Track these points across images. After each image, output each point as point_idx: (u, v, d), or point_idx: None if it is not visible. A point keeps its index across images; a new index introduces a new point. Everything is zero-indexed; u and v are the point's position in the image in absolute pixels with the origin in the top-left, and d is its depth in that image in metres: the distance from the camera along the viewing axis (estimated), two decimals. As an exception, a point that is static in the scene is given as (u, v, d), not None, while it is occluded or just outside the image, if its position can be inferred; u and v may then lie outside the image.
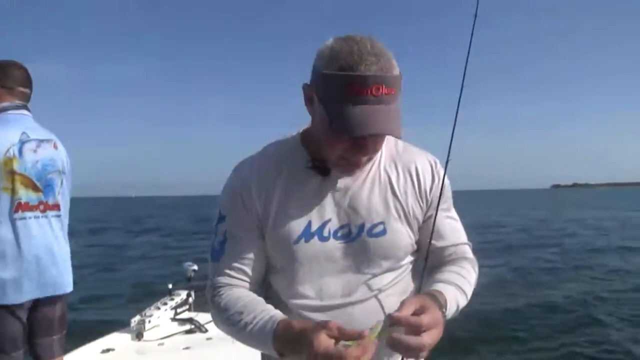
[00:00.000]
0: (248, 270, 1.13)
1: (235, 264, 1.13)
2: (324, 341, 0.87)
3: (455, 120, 1.17)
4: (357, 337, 0.87)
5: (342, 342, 0.89)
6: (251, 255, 1.13)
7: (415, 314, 0.91)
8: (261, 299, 1.11)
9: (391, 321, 0.89)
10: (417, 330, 0.88)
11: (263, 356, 1.24)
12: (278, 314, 1.04)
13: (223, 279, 1.13)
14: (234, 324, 1.06)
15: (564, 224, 25.04)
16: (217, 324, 1.15)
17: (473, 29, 1.16)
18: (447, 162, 1.19)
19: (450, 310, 1.04)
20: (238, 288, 1.13)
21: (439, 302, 1.00)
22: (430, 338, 0.89)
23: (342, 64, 0.96)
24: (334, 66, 0.97)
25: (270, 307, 1.07)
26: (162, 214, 44.87)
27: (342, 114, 0.96)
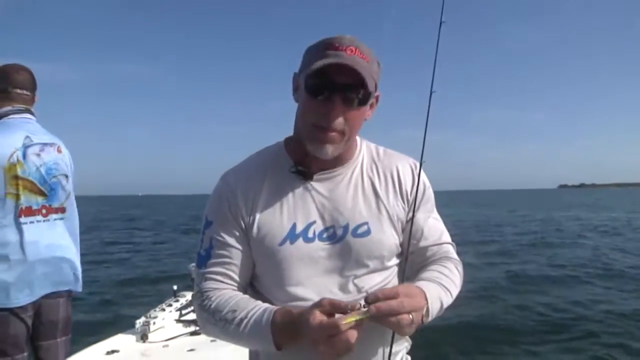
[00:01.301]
0: (234, 275, 1.15)
1: (222, 269, 1.14)
2: (318, 316, 0.93)
3: (427, 124, 1.20)
4: (348, 309, 0.94)
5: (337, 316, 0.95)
6: (237, 261, 1.15)
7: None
8: (251, 298, 1.12)
9: (368, 299, 0.95)
10: (394, 297, 0.95)
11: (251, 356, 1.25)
12: (272, 306, 1.06)
13: (210, 284, 1.14)
14: (229, 322, 1.06)
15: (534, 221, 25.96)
16: (207, 329, 1.15)
17: (439, 34, 1.19)
18: (420, 164, 1.23)
19: (434, 307, 1.05)
20: (226, 290, 1.14)
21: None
22: (410, 302, 0.95)
23: (323, 41, 1.08)
24: (316, 45, 1.09)
25: (261, 302, 1.09)
26: (166, 212, 45.07)
27: (316, 63, 1.03)
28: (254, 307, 1.06)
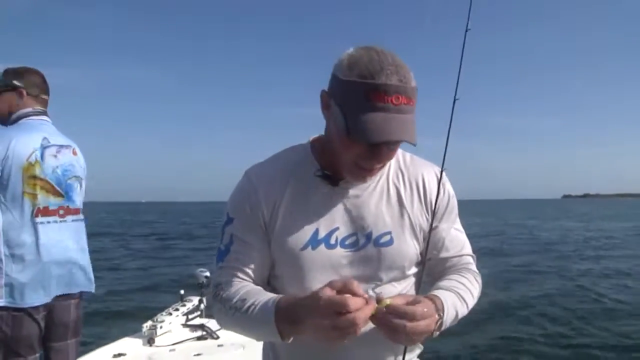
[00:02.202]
0: (251, 273, 1.14)
1: (239, 266, 1.13)
2: (329, 291, 0.90)
3: (449, 132, 1.19)
4: (356, 291, 0.91)
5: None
6: (255, 259, 1.14)
7: (408, 304, 0.96)
8: (263, 289, 1.11)
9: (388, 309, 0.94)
10: (410, 318, 0.93)
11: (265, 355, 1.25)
12: (282, 296, 1.04)
13: (226, 277, 1.13)
14: (237, 310, 1.05)
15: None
16: (220, 320, 1.14)
17: (464, 42, 1.16)
18: (441, 171, 1.21)
19: (449, 316, 1.04)
20: (241, 282, 1.13)
21: (436, 306, 1.02)
22: (424, 324, 0.94)
23: (363, 71, 0.98)
24: (354, 73, 0.99)
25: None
26: (166, 219, 45.12)
27: (361, 120, 0.97)
28: (264, 296, 1.05)
